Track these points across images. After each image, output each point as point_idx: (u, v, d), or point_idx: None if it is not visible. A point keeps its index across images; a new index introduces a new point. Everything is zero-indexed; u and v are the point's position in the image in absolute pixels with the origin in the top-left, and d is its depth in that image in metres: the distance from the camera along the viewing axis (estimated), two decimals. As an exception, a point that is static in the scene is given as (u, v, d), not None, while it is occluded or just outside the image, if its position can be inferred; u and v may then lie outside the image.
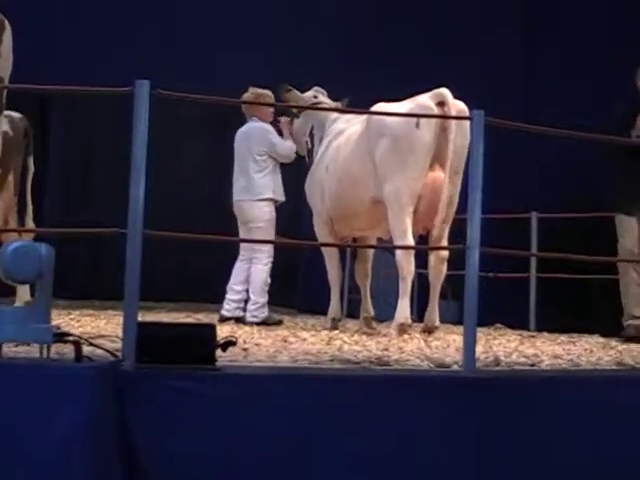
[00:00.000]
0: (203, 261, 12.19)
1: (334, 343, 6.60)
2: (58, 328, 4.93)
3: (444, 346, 6.71)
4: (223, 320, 8.81)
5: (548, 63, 11.26)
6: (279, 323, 8.82)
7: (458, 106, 7.73)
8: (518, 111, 9.68)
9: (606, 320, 8.53)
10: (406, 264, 7.69)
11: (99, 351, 4.96)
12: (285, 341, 6.67)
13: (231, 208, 9.22)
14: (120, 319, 5.09)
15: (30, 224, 8.46)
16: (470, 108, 6.58)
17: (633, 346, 7.29)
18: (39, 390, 4.47)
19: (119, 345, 4.92)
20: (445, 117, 7.63)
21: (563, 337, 8.08)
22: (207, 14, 11.54)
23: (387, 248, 8.57)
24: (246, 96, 8.93)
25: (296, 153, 9.14)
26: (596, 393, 5.30)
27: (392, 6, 11.55)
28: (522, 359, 5.96)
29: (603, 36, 10.95)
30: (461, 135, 7.65)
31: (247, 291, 9.01)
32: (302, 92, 9.01)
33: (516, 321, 9.44)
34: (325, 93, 9.05)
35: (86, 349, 4.87)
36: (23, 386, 4.48)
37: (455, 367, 5.50)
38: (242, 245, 9.10)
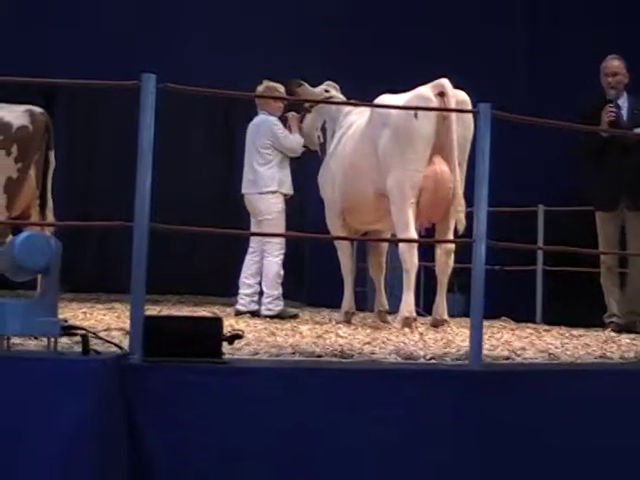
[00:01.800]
0: (210, 254, 12.19)
1: (325, 336, 6.56)
2: (65, 321, 4.94)
3: (438, 339, 6.66)
4: (239, 314, 8.78)
5: (552, 55, 11.26)
6: (295, 317, 8.73)
7: (459, 96, 7.71)
8: (523, 103, 9.66)
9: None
10: (409, 257, 7.66)
11: (106, 344, 4.96)
12: (273, 334, 6.62)
13: (237, 200, 9.22)
14: (127, 312, 5.09)
15: (51, 218, 8.50)
16: (473, 100, 6.58)
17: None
18: (46, 383, 4.47)
19: (126, 338, 4.93)
20: (451, 110, 7.60)
21: (575, 331, 7.97)
22: (211, 11, 11.54)
23: (393, 241, 8.55)
24: (259, 89, 8.91)
25: (305, 147, 9.11)
26: (595, 385, 5.31)
27: (396, 1, 11.54)
28: (504, 352, 5.91)
29: (608, 29, 10.94)
30: (462, 126, 7.63)
31: (260, 284, 8.97)
32: (312, 87, 8.98)
33: (523, 314, 9.43)
34: (337, 87, 9.01)
35: (93, 342, 4.88)
36: (30, 379, 4.48)
37: (422, 360, 5.48)
38: (252, 238, 9.09)
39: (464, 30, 11.30)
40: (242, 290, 9.00)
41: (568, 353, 6.11)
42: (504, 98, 9.63)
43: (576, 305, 9.41)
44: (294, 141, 8.97)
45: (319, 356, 5.41)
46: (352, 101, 8.59)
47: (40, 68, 7.96)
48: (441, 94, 7.70)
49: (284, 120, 9.13)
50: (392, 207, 7.79)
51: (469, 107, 7.62)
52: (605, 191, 8.27)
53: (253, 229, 8.98)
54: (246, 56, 10.97)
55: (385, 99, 8.05)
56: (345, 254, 8.67)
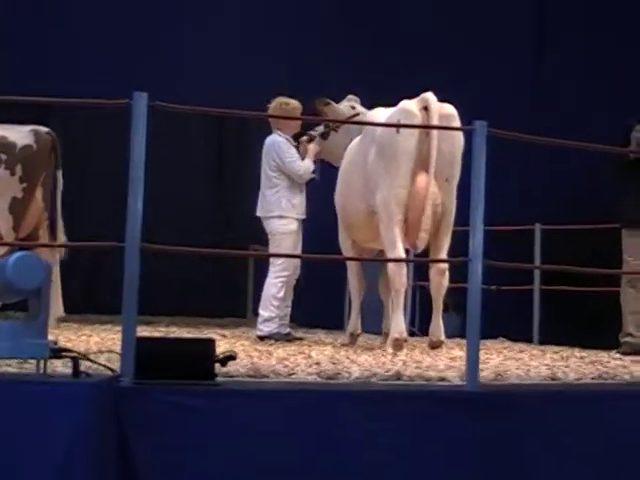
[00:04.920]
0: (203, 275, 12.12)
1: (292, 358, 6.40)
2: (55, 343, 4.87)
3: (405, 360, 6.52)
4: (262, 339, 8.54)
5: (555, 71, 11.25)
6: (290, 339, 8.43)
7: (444, 110, 7.56)
8: (522, 120, 9.62)
9: (612, 333, 8.43)
10: (398, 276, 7.51)
11: (97, 367, 4.89)
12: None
13: (232, 220, 9.10)
14: (118, 334, 5.02)
15: (62, 238, 8.46)
16: (473, 117, 6.49)
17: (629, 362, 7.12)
18: (36, 406, 4.41)
19: (117, 360, 4.87)
20: (448, 129, 7.50)
21: (579, 352, 7.79)
22: (209, 26, 11.54)
23: (384, 261, 8.36)
24: (271, 106, 8.68)
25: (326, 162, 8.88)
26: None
27: (399, 11, 11.52)
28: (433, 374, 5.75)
29: (614, 44, 10.93)
30: (448, 141, 7.49)
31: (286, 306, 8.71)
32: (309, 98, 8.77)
33: (520, 334, 9.36)
34: (359, 100, 8.77)
35: (84, 364, 4.81)
36: (20, 402, 4.42)
37: (344, 380, 5.38)
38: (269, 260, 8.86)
39: (469, 44, 11.29)
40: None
41: (520, 374, 5.95)
42: (506, 108, 9.65)
43: (574, 325, 9.36)
44: (301, 167, 8.62)
45: (231, 376, 5.23)
46: (342, 119, 8.49)
47: (33, 87, 7.93)
48: (426, 108, 7.56)
49: (305, 137, 8.83)
50: (380, 225, 7.67)
51: (456, 120, 7.53)
52: (632, 209, 8.22)
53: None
54: (247, 69, 10.95)
55: (376, 113, 7.96)
56: (354, 274, 8.50)
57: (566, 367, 6.48)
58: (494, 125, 5.34)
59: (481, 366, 6.05)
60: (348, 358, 6.54)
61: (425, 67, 10.61)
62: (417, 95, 7.71)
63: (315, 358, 6.42)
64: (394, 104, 7.89)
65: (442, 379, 5.57)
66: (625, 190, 8.34)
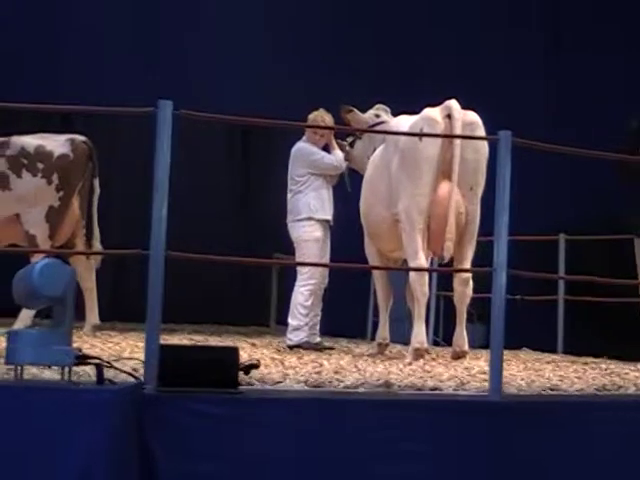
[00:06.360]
0: (227, 282, 12.12)
1: (302, 366, 6.37)
2: (80, 350, 4.88)
3: (415, 370, 6.46)
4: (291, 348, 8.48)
5: (571, 82, 11.22)
6: (320, 348, 8.38)
7: (468, 117, 7.51)
8: (541, 130, 9.59)
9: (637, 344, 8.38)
10: (419, 285, 7.45)
11: (121, 374, 4.90)
12: None
13: (257, 229, 9.08)
14: (142, 341, 5.03)
15: (97, 247, 8.50)
16: (491, 126, 6.50)
17: None
18: (60, 413, 4.42)
19: (141, 368, 4.88)
20: (473, 138, 7.46)
21: (608, 365, 7.63)
22: (213, 34, 11.60)
23: (407, 269, 8.31)
24: (309, 117, 8.64)
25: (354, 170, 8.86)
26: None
27: (401, 16, 11.53)
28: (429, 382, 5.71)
29: (626, 54, 10.91)
30: (472, 150, 7.44)
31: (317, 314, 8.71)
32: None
33: (544, 344, 9.31)
34: (388, 110, 8.69)
35: (108, 372, 4.82)
36: (44, 409, 4.43)
37: (332, 389, 5.34)
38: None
39: (483, 54, 11.28)
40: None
41: (517, 384, 5.85)
42: (524, 118, 9.61)
43: (598, 335, 9.30)
44: (333, 159, 8.67)
45: None
46: (363, 128, 8.47)
47: (57, 95, 7.97)
48: (449, 116, 7.50)
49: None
50: (402, 234, 7.62)
51: (479, 128, 7.48)
52: None
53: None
54: (268, 78, 10.97)
55: (400, 120, 7.94)
56: (380, 283, 8.46)
57: (578, 378, 6.40)
58: (515, 135, 5.33)
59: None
60: (356, 367, 6.47)
61: (432, 73, 10.62)
62: (422, 103, 7.70)
63: (324, 367, 6.37)
64: (400, 111, 7.89)
65: (435, 389, 5.54)
66: (635, 197, 8.24)
